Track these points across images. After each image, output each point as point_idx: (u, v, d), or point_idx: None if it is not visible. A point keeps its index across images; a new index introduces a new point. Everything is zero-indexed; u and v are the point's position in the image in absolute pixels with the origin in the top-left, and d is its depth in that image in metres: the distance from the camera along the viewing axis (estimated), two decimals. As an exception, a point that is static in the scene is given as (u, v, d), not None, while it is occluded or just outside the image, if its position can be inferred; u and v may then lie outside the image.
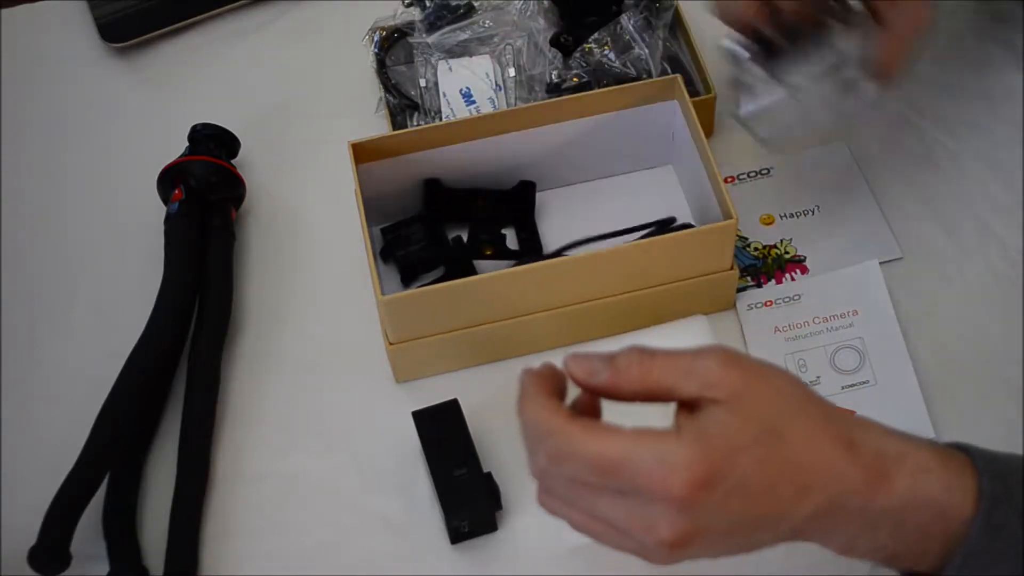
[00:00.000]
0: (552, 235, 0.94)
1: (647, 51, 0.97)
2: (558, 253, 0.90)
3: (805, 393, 0.62)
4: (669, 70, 0.99)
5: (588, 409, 0.64)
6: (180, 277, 0.91)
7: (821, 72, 0.82)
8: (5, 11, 1.14)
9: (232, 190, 0.97)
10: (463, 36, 0.99)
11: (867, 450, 0.61)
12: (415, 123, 0.99)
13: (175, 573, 0.80)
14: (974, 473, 0.62)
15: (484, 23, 0.99)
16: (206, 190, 0.95)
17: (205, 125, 0.98)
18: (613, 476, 0.58)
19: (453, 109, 0.97)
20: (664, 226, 0.93)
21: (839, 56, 0.81)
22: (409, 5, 1.02)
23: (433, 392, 0.86)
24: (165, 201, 0.96)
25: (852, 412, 0.63)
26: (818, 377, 0.88)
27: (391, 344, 0.87)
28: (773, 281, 0.93)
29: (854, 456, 0.60)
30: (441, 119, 0.97)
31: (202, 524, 0.84)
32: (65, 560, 0.79)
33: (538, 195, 0.98)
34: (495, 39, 0.99)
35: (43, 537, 0.79)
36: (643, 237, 0.91)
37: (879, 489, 0.60)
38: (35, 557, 0.78)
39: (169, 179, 0.96)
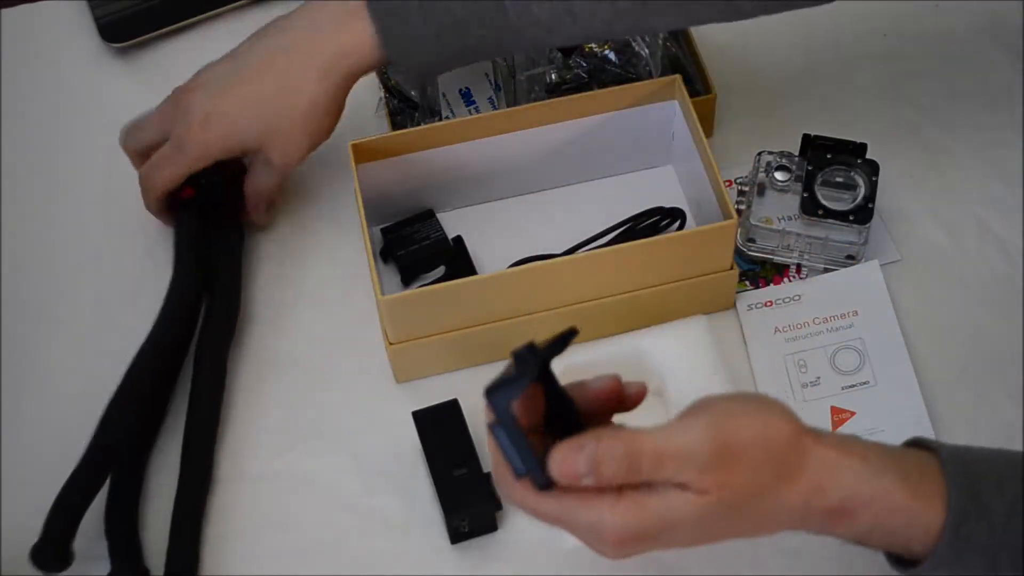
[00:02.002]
0: (552, 235, 0.94)
1: (647, 51, 0.97)
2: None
3: (783, 448, 0.62)
4: (669, 70, 0.99)
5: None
6: (188, 275, 0.91)
7: None
8: (5, 11, 1.14)
9: (243, 188, 0.96)
10: (463, 36, 0.99)
11: (833, 496, 0.63)
12: (415, 123, 0.99)
13: (176, 573, 0.80)
14: (943, 488, 0.63)
15: (484, 23, 0.99)
16: (218, 187, 0.94)
17: None
18: (557, 524, 0.64)
19: (453, 109, 0.97)
20: (649, 217, 0.93)
21: None
22: (409, 5, 1.01)
23: (433, 392, 0.86)
24: (175, 198, 0.95)
25: (832, 445, 0.64)
26: (818, 378, 0.88)
27: (391, 344, 0.87)
28: (772, 283, 0.93)
29: (818, 500, 0.62)
30: (441, 119, 0.97)
31: (204, 524, 0.84)
32: (67, 559, 0.79)
33: (538, 195, 0.98)
34: (495, 39, 0.99)
35: (46, 535, 0.79)
36: (630, 229, 0.92)
37: (839, 525, 0.64)
38: (38, 555, 0.78)
39: None
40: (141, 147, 0.93)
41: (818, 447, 0.63)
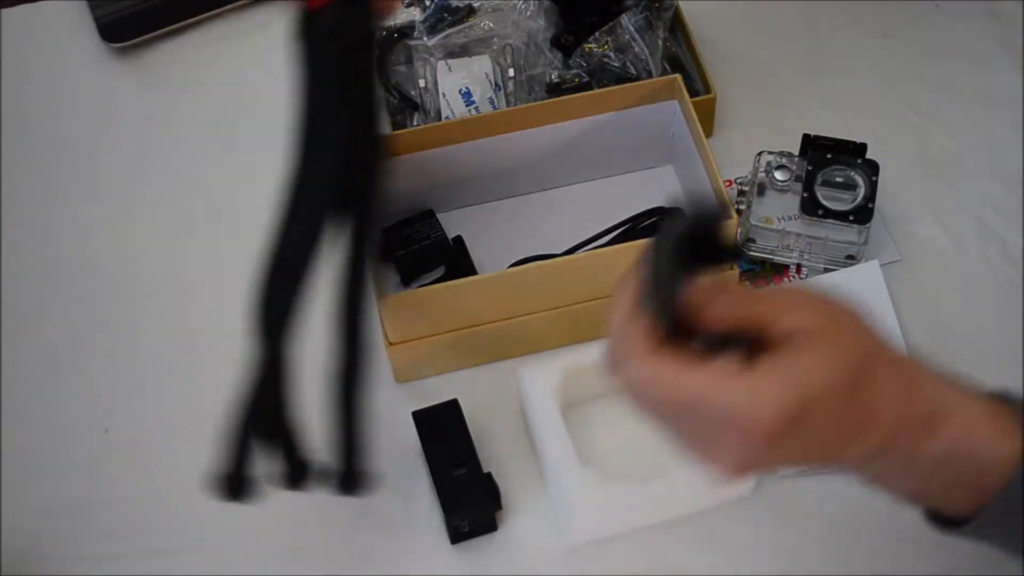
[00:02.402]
0: (552, 235, 0.94)
1: (647, 51, 0.97)
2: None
3: (877, 333, 0.61)
4: (669, 70, 0.99)
5: None
6: (329, 109, 0.71)
7: None
8: (5, 11, 1.14)
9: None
10: (464, 39, 0.99)
11: (925, 397, 0.60)
12: (415, 123, 0.99)
13: (348, 468, 0.75)
14: (1018, 425, 0.61)
15: (484, 25, 0.99)
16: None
17: None
18: (690, 411, 0.57)
19: (453, 109, 0.97)
20: (649, 217, 0.93)
21: None
22: (409, 5, 1.01)
23: (433, 392, 0.86)
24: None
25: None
26: (818, 377, 0.88)
27: (391, 344, 0.87)
28: (772, 284, 0.93)
29: (913, 402, 0.60)
30: (441, 119, 0.97)
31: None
32: (251, 482, 0.74)
33: (538, 195, 0.98)
34: (495, 39, 0.99)
35: (224, 461, 0.73)
36: (630, 229, 0.92)
37: (927, 438, 0.60)
38: (220, 482, 0.72)
39: None
40: None
41: (898, 350, 0.61)
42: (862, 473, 0.63)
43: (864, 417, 0.58)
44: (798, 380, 0.56)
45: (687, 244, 0.56)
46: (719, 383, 0.56)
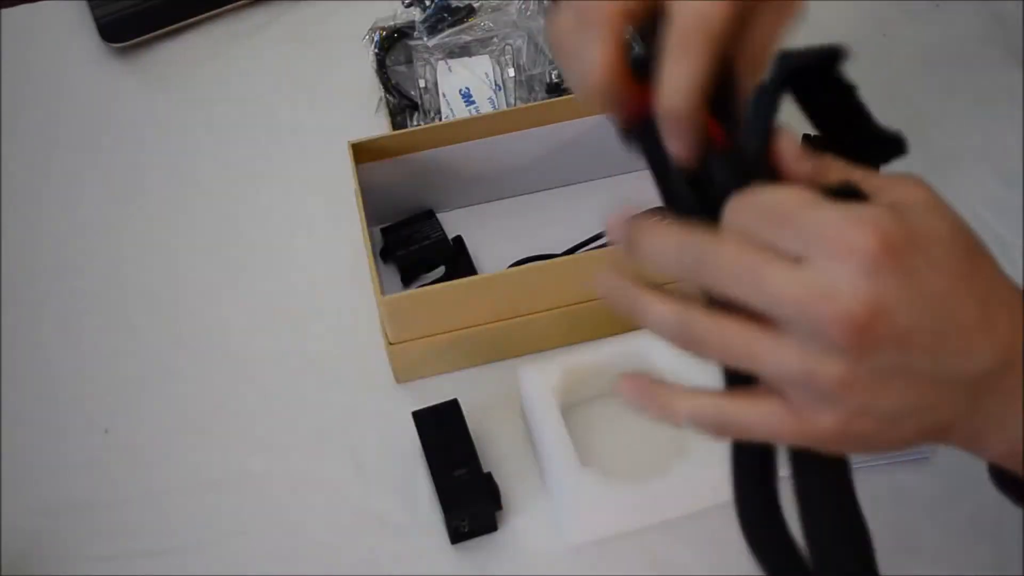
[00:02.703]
0: (552, 235, 0.94)
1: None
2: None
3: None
4: (669, 70, 0.99)
5: None
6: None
7: None
8: (5, 11, 1.14)
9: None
10: (464, 39, 0.99)
11: None
12: (415, 123, 0.99)
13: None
14: None
15: (484, 25, 0.99)
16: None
17: None
18: (788, 226, 0.50)
19: (453, 109, 0.97)
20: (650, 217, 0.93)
21: None
22: (409, 5, 1.02)
23: (433, 392, 0.86)
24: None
25: None
26: (818, 377, 0.88)
27: (391, 344, 0.87)
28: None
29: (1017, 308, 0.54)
30: (441, 119, 0.98)
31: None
32: None
33: (538, 195, 0.98)
34: (495, 39, 0.99)
35: None
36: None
37: None
38: None
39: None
40: None
41: None
42: (985, 434, 0.55)
43: (984, 302, 0.52)
44: (902, 214, 0.51)
45: (794, 82, 0.55)
46: (814, 200, 0.50)
